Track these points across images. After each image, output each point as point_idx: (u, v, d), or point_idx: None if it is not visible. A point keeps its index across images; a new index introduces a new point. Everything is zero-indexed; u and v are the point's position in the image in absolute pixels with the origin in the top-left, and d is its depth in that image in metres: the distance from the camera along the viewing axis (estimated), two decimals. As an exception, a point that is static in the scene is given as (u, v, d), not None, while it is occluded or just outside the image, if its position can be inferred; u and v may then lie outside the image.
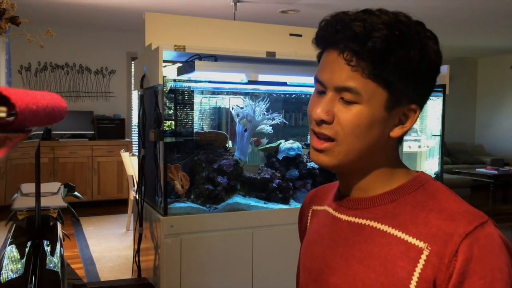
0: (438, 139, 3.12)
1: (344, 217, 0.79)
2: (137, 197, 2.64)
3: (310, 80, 0.78)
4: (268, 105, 2.74)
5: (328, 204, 0.86)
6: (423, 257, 0.67)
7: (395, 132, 0.74)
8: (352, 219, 0.77)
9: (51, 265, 1.63)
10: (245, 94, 2.81)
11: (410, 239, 0.69)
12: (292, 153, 2.77)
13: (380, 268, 0.70)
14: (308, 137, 2.69)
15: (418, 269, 0.67)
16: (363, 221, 0.76)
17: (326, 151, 0.73)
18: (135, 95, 6.44)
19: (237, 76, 2.55)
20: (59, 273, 1.54)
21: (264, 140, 2.93)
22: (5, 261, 1.56)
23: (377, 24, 0.67)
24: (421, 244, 0.68)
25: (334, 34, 0.71)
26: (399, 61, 0.68)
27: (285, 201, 2.62)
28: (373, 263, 0.71)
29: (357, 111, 0.70)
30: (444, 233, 0.66)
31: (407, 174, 0.78)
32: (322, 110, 0.72)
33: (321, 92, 0.74)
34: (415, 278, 0.66)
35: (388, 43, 0.67)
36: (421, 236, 0.68)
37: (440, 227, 0.67)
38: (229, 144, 2.79)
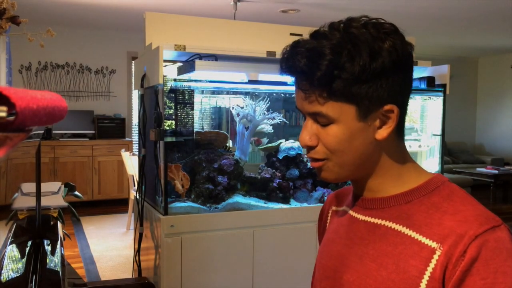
0: (438, 138, 3.11)
1: (360, 216, 0.81)
2: (138, 196, 2.64)
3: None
4: (268, 104, 2.74)
5: (347, 205, 0.88)
6: (435, 257, 0.68)
7: (380, 134, 0.74)
8: (368, 218, 0.79)
9: (51, 265, 1.63)
10: (246, 93, 2.81)
11: (424, 240, 0.70)
12: (293, 152, 2.77)
13: (392, 266, 0.71)
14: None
15: (429, 269, 0.68)
16: (379, 221, 0.77)
17: (322, 168, 0.78)
18: (135, 94, 6.45)
19: (237, 76, 2.55)
20: (60, 272, 1.54)
21: (265, 140, 2.93)
22: (6, 261, 1.56)
23: (324, 49, 0.69)
24: (434, 245, 0.69)
25: (288, 68, 0.75)
26: (351, 76, 0.69)
27: (286, 201, 2.62)
28: (386, 261, 0.72)
29: (334, 130, 0.73)
30: (455, 234, 0.67)
31: (419, 173, 0.78)
32: (305, 136, 0.76)
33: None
34: (426, 277, 0.68)
35: (335, 66, 0.69)
36: (434, 237, 0.69)
37: (453, 228, 0.68)
38: (230, 143, 2.79)
